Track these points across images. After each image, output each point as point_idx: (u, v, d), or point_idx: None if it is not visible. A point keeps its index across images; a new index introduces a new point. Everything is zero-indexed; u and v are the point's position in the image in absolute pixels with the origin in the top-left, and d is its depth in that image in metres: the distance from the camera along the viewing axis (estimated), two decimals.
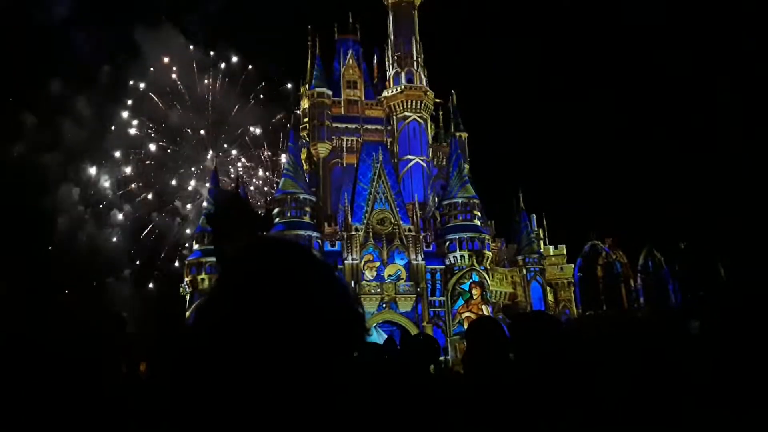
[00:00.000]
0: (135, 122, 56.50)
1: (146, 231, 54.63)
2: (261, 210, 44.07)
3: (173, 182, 56.80)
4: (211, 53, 59.31)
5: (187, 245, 50.54)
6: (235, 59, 59.51)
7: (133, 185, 55.74)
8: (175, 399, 0.89)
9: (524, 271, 41.15)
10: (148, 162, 56.29)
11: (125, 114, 56.63)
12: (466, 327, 36.73)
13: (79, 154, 53.52)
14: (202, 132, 57.92)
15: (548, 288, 42.01)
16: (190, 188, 57.35)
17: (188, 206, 56.08)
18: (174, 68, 57.86)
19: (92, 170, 54.24)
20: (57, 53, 52.94)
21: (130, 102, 57.01)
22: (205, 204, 41.54)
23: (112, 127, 55.76)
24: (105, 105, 55.32)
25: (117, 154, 55.25)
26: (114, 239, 53.16)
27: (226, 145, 58.26)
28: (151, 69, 56.57)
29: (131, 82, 56.99)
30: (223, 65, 59.64)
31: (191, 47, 58.26)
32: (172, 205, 56.47)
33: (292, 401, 0.85)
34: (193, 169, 57.43)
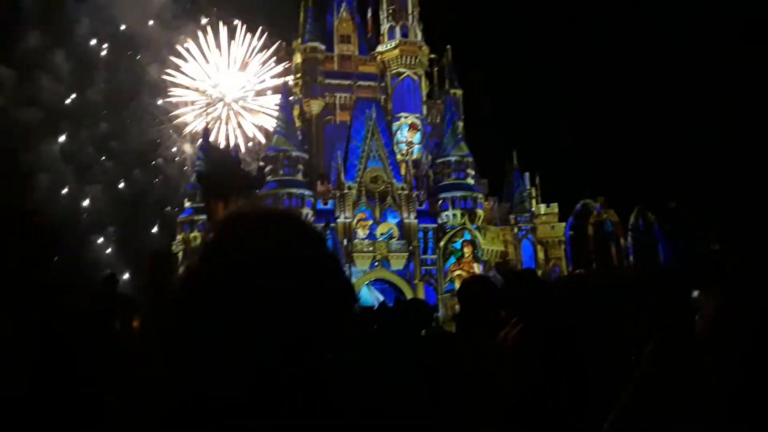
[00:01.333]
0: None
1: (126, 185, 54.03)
2: (254, 165, 43.70)
3: (157, 140, 56.09)
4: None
5: (169, 205, 50.46)
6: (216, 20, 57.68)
7: (114, 142, 54.98)
8: (166, 367, 0.88)
9: (516, 229, 41.44)
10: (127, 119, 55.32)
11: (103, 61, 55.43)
12: (457, 285, 37.29)
13: (59, 110, 52.54)
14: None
15: (539, 246, 42.39)
16: (174, 148, 56.64)
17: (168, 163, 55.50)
18: (152, 22, 56.16)
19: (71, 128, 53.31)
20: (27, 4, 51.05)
21: (104, 51, 55.57)
22: (196, 161, 41.06)
23: (97, 85, 54.64)
24: (83, 58, 54.08)
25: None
26: (89, 200, 52.60)
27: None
28: (123, 28, 54.93)
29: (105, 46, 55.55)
30: (205, 20, 57.83)
31: None
32: (154, 162, 55.86)
33: (284, 372, 0.84)
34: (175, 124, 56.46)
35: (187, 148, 55.63)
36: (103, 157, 54.26)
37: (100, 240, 51.63)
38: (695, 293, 2.17)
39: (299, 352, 0.85)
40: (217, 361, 0.83)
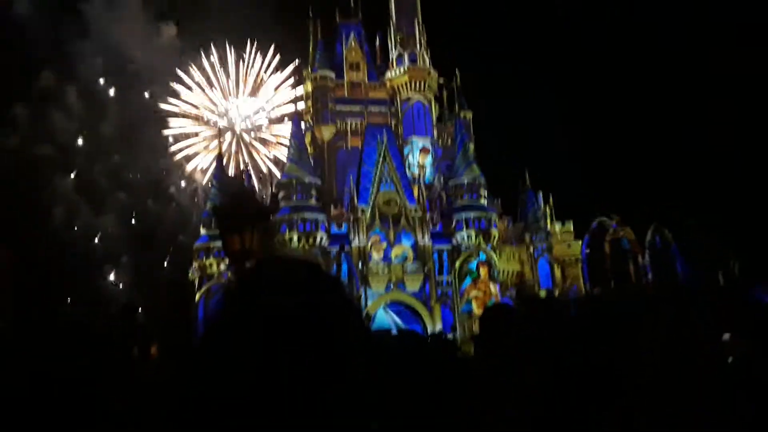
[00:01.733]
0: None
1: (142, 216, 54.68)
2: (267, 193, 44.02)
3: (164, 172, 56.86)
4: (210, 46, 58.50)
5: (182, 233, 50.82)
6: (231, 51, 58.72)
7: (126, 174, 55.79)
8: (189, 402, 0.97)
9: (531, 248, 41.16)
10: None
11: (112, 92, 56.54)
12: (474, 306, 36.99)
13: (71, 144, 53.64)
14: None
15: (556, 265, 42.02)
16: (183, 179, 57.30)
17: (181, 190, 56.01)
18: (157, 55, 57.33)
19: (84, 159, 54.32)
20: (42, 42, 52.53)
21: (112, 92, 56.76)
22: (211, 189, 41.43)
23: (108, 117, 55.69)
24: (93, 93, 55.30)
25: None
26: (109, 228, 53.28)
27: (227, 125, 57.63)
28: (136, 57, 56.11)
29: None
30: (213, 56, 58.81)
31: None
32: (167, 191, 56.55)
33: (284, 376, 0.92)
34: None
35: (198, 176, 56.31)
36: (116, 190, 55.04)
37: (113, 272, 52.07)
38: (725, 336, 2.13)
39: (298, 362, 0.93)
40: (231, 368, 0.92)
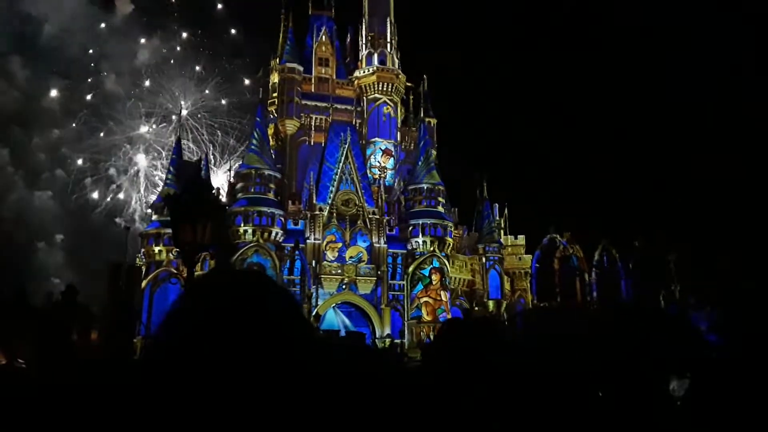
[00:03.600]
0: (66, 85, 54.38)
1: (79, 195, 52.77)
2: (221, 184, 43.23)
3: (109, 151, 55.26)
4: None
5: (118, 216, 49.44)
6: (184, 34, 57.66)
7: (64, 149, 53.89)
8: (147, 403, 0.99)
9: (484, 259, 41.78)
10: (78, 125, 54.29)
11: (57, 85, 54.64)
12: (424, 312, 37.23)
13: (10, 116, 51.46)
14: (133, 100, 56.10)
15: (506, 277, 42.81)
16: (124, 157, 55.74)
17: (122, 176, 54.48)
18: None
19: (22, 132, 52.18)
20: None
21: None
22: (168, 175, 40.33)
23: (52, 92, 53.68)
24: (39, 66, 53.28)
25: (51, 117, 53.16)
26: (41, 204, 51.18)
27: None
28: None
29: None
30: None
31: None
32: (106, 172, 54.94)
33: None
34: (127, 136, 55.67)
35: (140, 159, 54.87)
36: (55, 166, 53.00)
37: (41, 245, 49.97)
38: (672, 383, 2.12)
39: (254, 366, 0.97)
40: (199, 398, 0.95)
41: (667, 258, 40.36)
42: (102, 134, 54.69)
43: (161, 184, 39.92)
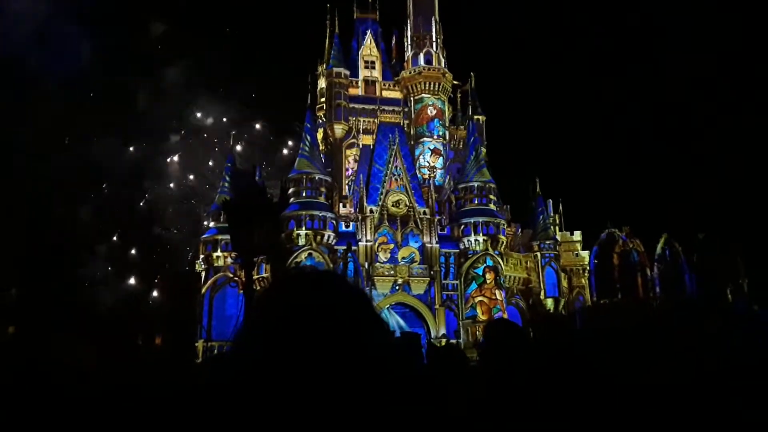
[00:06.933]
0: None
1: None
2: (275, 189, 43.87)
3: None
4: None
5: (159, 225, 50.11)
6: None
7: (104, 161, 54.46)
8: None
9: (539, 256, 40.95)
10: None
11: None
12: (479, 311, 36.84)
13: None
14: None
15: (563, 274, 41.80)
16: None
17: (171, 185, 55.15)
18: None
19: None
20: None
21: None
22: (223, 183, 41.32)
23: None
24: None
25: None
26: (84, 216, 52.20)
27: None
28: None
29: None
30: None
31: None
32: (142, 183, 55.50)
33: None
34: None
35: (176, 168, 55.44)
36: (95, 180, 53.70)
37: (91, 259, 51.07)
38: None
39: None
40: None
41: (733, 251, 38.51)
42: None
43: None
